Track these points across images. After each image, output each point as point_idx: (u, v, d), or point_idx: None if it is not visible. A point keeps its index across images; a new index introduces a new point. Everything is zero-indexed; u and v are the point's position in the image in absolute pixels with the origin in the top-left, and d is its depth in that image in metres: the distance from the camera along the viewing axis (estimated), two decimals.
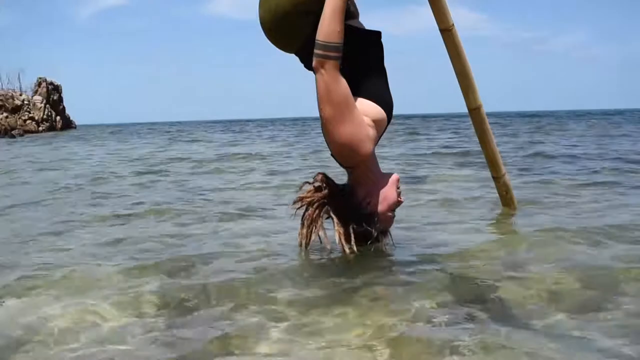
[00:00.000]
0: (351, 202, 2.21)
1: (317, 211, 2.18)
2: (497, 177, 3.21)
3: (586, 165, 5.74)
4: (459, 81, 2.85)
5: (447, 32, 2.65)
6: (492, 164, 3.11)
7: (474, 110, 2.93)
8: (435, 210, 3.41)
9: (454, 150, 8.38)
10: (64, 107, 48.39)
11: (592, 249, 2.30)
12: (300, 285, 1.92)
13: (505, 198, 3.28)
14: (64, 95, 48.38)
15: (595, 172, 5.17)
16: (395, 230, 2.43)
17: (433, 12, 2.59)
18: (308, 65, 2.25)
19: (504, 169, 3.17)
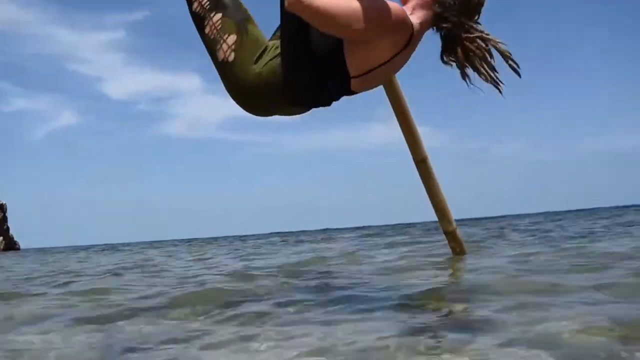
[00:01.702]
0: None
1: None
2: (449, 232, 3.20)
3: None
4: (404, 134, 2.92)
5: (389, 82, 2.75)
6: (443, 216, 3.11)
7: (421, 163, 2.98)
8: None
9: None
10: (8, 228, 46.71)
11: None
12: None
13: (457, 251, 3.26)
14: (8, 214, 46.91)
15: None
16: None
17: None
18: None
19: (454, 223, 3.17)
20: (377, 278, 2.89)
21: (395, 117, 2.90)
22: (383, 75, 1.82)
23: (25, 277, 5.13)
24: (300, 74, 1.78)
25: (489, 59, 1.77)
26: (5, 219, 45.83)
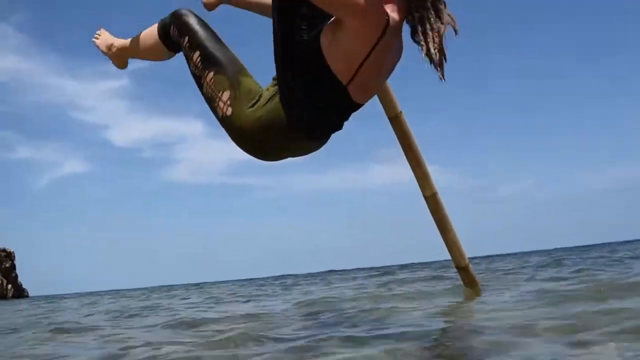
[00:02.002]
0: None
1: None
2: (462, 267, 3.17)
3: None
4: (412, 169, 2.94)
5: (396, 119, 2.79)
6: (455, 251, 3.10)
7: (430, 198, 2.99)
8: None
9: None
10: (16, 275, 46.59)
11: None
12: None
13: (472, 287, 3.22)
14: (17, 262, 46.86)
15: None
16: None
17: (381, 100, 2.75)
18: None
19: (467, 258, 3.15)
20: (393, 315, 2.85)
21: (403, 154, 2.92)
22: (375, 75, 1.80)
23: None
24: (301, 101, 1.80)
25: (443, 40, 1.76)
26: (13, 266, 45.79)
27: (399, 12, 1.74)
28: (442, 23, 1.78)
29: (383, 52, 1.74)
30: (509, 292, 3.72)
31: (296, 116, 1.81)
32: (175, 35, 2.06)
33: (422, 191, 2.97)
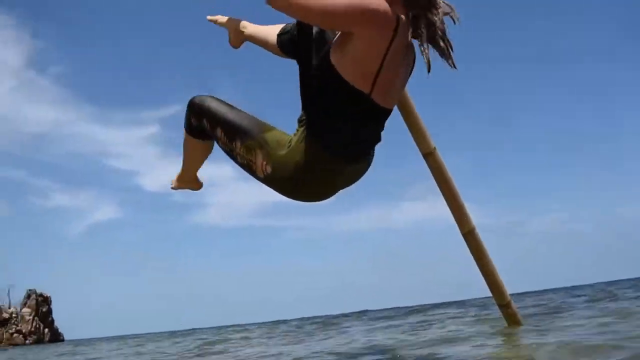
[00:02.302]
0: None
1: None
2: (503, 305, 3.09)
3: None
4: (449, 205, 2.91)
5: (430, 155, 2.79)
6: (496, 289, 3.02)
7: (469, 234, 2.94)
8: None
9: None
10: (52, 320, 47.21)
11: None
12: None
13: (515, 325, 3.13)
14: (53, 307, 47.54)
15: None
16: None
17: (414, 137, 2.76)
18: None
19: (508, 294, 3.07)
20: (443, 350, 2.78)
21: (435, 190, 2.90)
22: (394, 76, 1.79)
23: None
24: (330, 127, 1.81)
25: (446, 33, 1.80)
26: (50, 311, 46.46)
27: (403, 12, 1.75)
28: (438, 15, 1.81)
29: (398, 53, 1.74)
30: (554, 330, 3.60)
31: (330, 144, 1.82)
32: (196, 123, 2.10)
33: (459, 227, 2.93)
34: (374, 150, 1.96)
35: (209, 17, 2.55)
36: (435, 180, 2.84)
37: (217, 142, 2.09)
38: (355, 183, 2.05)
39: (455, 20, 1.81)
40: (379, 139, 1.94)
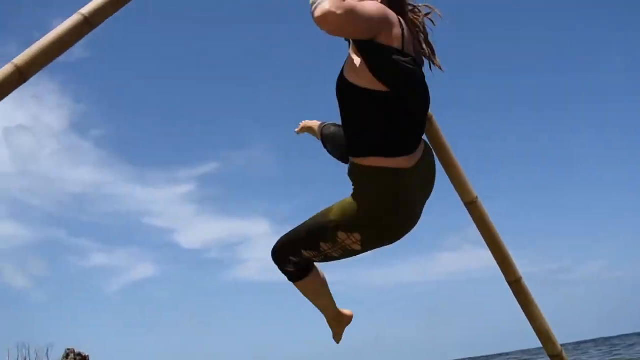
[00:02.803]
0: None
1: None
2: (555, 355, 3.00)
3: None
4: (493, 254, 2.89)
5: (472, 204, 2.80)
6: (546, 339, 2.95)
7: (515, 283, 2.91)
8: None
9: None
10: None
11: None
12: None
13: None
14: None
15: None
16: None
17: (456, 187, 2.78)
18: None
19: (559, 345, 2.99)
20: None
21: (474, 239, 2.89)
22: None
23: None
24: (377, 146, 1.89)
25: (426, 31, 2.01)
26: None
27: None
28: (419, 19, 1.95)
29: (410, 44, 1.90)
30: None
31: (376, 146, 1.89)
32: (290, 267, 2.14)
33: (505, 277, 2.90)
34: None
35: (297, 130, 2.69)
36: (478, 229, 2.84)
37: (315, 261, 2.10)
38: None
39: (435, 21, 1.95)
40: (426, 116, 2.07)
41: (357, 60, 1.87)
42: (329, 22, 1.69)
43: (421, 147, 2.03)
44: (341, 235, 1.92)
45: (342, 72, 1.93)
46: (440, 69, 2.04)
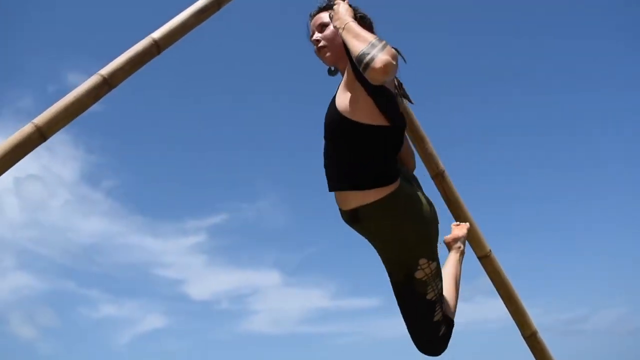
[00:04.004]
0: None
1: None
2: None
3: None
4: (507, 308, 2.85)
5: (486, 258, 2.78)
6: None
7: (530, 337, 2.86)
8: None
9: None
10: None
11: None
12: None
13: None
14: None
15: None
16: None
17: (469, 241, 2.77)
18: None
19: None
20: None
21: (486, 289, 2.86)
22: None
23: None
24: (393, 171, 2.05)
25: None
26: None
27: None
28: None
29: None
30: None
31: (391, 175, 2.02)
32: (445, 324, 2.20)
33: (520, 331, 2.85)
34: None
35: None
36: (492, 282, 2.81)
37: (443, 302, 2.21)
38: None
39: (404, 60, 2.08)
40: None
41: (360, 101, 1.98)
42: (389, 73, 1.76)
43: None
44: (432, 264, 2.09)
45: (339, 113, 2.02)
46: (412, 102, 2.36)
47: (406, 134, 2.38)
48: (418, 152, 2.68)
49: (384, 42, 1.81)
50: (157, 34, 2.11)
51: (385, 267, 2.15)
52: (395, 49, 2.05)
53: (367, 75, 1.78)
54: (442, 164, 2.70)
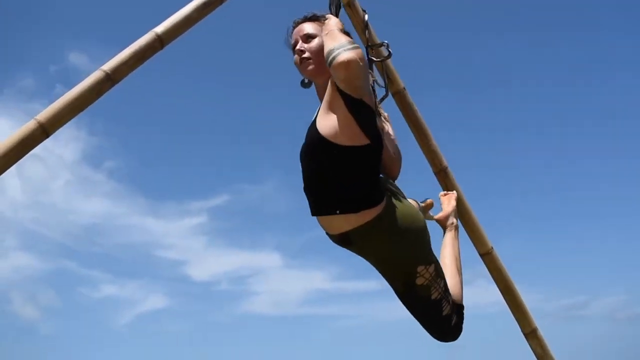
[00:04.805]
0: None
1: None
2: None
3: None
4: (509, 306, 2.86)
5: (487, 255, 2.78)
6: None
7: (530, 334, 2.87)
8: None
9: None
10: None
11: None
12: None
13: None
14: None
15: None
16: None
17: (471, 238, 2.77)
18: None
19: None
20: None
21: (498, 290, 2.87)
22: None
23: None
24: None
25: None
26: None
27: None
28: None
29: None
30: None
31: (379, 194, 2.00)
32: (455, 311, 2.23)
33: (521, 328, 2.86)
34: None
35: None
36: (494, 279, 2.82)
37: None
38: None
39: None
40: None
41: (340, 120, 1.94)
42: (350, 68, 1.83)
43: None
44: (431, 266, 2.11)
45: (320, 135, 1.98)
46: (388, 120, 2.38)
47: (392, 137, 2.35)
48: (422, 149, 2.68)
49: (356, 44, 1.89)
50: (160, 29, 2.08)
51: (385, 279, 2.15)
52: (385, 43, 2.08)
53: (332, 70, 1.87)
54: (446, 160, 2.70)
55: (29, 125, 1.92)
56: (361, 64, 1.85)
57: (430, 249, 2.13)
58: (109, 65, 2.02)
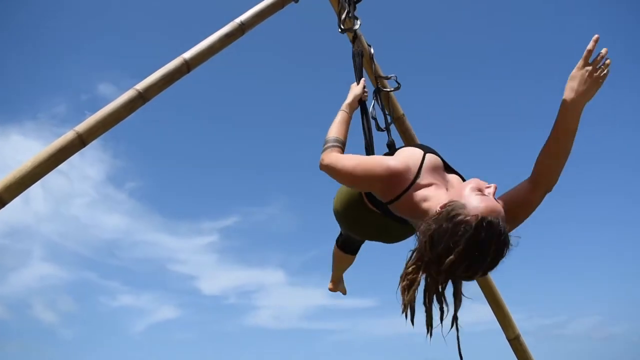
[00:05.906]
0: None
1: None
2: None
3: None
4: (494, 312, 3.09)
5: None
6: None
7: (514, 340, 3.09)
8: None
9: None
10: None
11: None
12: None
13: None
14: None
15: None
16: None
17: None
18: None
19: None
20: None
21: (484, 298, 3.09)
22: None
23: None
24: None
25: None
26: None
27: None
28: None
29: (400, 205, 2.12)
30: None
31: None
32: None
33: (505, 334, 3.09)
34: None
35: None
36: (482, 290, 3.05)
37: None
38: None
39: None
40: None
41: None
42: (328, 172, 2.10)
43: None
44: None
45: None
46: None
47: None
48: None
49: (332, 144, 2.16)
50: (188, 55, 2.33)
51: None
52: (392, 76, 2.33)
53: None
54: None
55: (68, 135, 2.13)
56: (327, 169, 2.10)
57: None
58: (142, 85, 2.26)
